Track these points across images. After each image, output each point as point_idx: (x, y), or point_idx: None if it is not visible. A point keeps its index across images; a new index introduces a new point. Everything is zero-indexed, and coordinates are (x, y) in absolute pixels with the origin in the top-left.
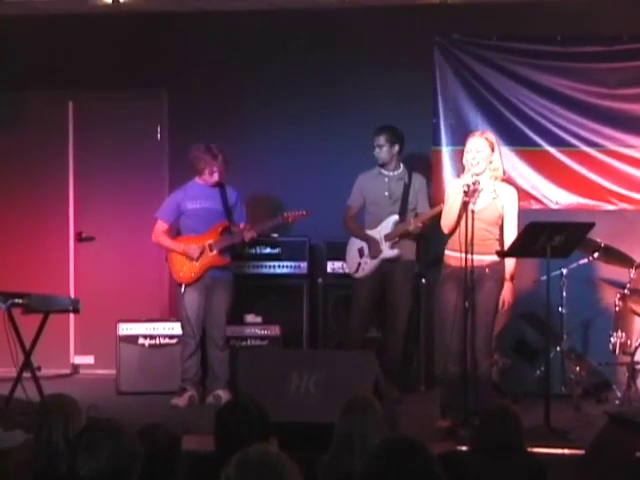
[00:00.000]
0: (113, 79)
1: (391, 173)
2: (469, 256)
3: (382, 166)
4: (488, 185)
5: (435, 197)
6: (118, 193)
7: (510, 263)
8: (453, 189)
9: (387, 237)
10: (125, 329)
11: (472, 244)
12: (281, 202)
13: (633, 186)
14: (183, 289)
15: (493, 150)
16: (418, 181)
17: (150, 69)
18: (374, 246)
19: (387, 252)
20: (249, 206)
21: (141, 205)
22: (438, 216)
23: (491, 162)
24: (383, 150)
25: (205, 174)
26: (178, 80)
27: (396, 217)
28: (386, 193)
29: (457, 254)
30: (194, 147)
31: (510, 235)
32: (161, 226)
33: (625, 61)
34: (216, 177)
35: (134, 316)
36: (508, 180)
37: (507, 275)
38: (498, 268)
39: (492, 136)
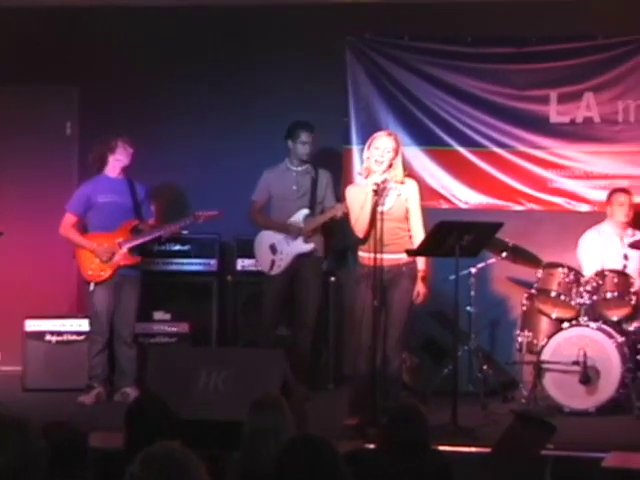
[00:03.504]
0: (22, 74)
1: (298, 168)
2: (380, 256)
3: (290, 161)
4: (391, 183)
5: (344, 195)
6: (26, 188)
7: (422, 259)
8: (356, 195)
9: (300, 231)
10: (32, 325)
11: (383, 244)
12: (191, 200)
13: (541, 187)
14: (92, 287)
15: (397, 153)
16: (325, 177)
17: (60, 64)
18: (293, 229)
19: (302, 246)
20: (158, 203)
21: (49, 200)
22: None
23: (392, 165)
24: (306, 146)
25: (115, 158)
26: (89, 76)
27: (306, 210)
28: (294, 187)
29: (371, 254)
30: (92, 145)
31: (417, 228)
32: (70, 219)
33: (534, 63)
34: (124, 161)
35: (41, 312)
36: (410, 175)
37: (420, 271)
38: (414, 266)
39: (399, 139)
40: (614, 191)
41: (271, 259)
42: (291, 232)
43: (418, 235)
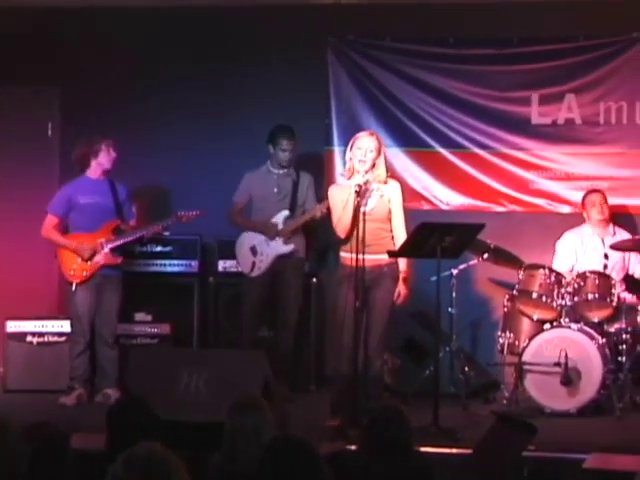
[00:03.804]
0: (3, 75)
1: (280, 171)
2: (361, 256)
3: (271, 164)
4: (373, 184)
5: (326, 196)
6: (7, 189)
7: (403, 260)
8: (338, 195)
9: (280, 233)
10: (13, 326)
11: (365, 245)
12: (173, 201)
13: (522, 188)
14: (74, 287)
15: (379, 153)
16: (306, 179)
17: (42, 66)
18: (270, 229)
19: (282, 248)
20: (140, 204)
21: (31, 201)
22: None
23: (375, 165)
24: (286, 153)
25: (98, 162)
26: (70, 77)
27: (287, 212)
28: (275, 189)
29: (353, 255)
30: (78, 143)
31: (399, 229)
32: (51, 220)
33: (515, 64)
34: (113, 154)
35: (22, 313)
36: (393, 177)
37: (402, 272)
38: (396, 267)
39: (380, 139)
40: (586, 193)
41: (252, 261)
42: (268, 232)
43: (400, 236)
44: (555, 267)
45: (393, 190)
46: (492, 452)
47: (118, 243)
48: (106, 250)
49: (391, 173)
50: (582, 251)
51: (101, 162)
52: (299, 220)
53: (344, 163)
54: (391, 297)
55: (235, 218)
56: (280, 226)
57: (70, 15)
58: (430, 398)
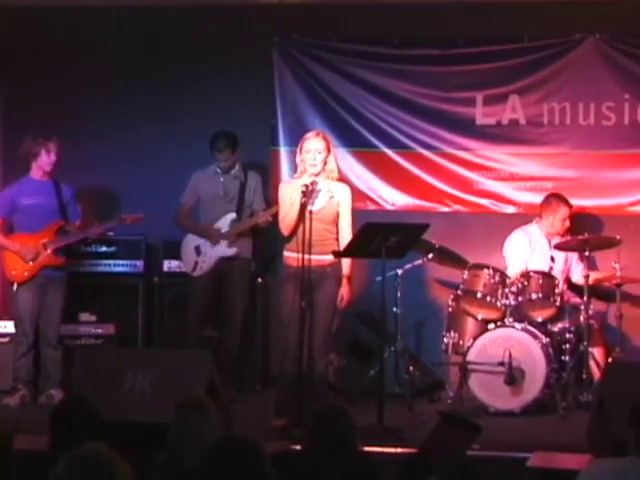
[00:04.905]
0: None
1: (227, 173)
2: (307, 256)
3: (218, 166)
4: (323, 185)
5: (273, 196)
6: None
7: (347, 261)
8: (287, 191)
9: (224, 236)
10: None
11: (310, 244)
12: (118, 201)
13: (467, 188)
14: (16, 288)
15: (329, 151)
16: (254, 180)
17: None
18: (213, 234)
19: (225, 250)
20: (86, 205)
21: None
22: (276, 215)
23: (327, 163)
24: (221, 163)
25: (37, 165)
26: (12, 76)
27: (233, 215)
28: (221, 192)
29: (297, 255)
30: (22, 143)
31: (345, 232)
32: None
33: (460, 65)
34: (53, 158)
35: None
36: (342, 179)
37: (344, 273)
38: (338, 267)
39: (327, 136)
40: (560, 200)
41: (195, 260)
42: (211, 238)
43: (346, 239)
44: (510, 272)
45: (343, 193)
46: (437, 451)
47: (61, 244)
48: (49, 251)
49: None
50: (530, 251)
51: (40, 165)
52: (245, 224)
53: (294, 164)
54: (334, 297)
55: (181, 220)
56: (226, 229)
57: (8, 13)
58: (375, 398)
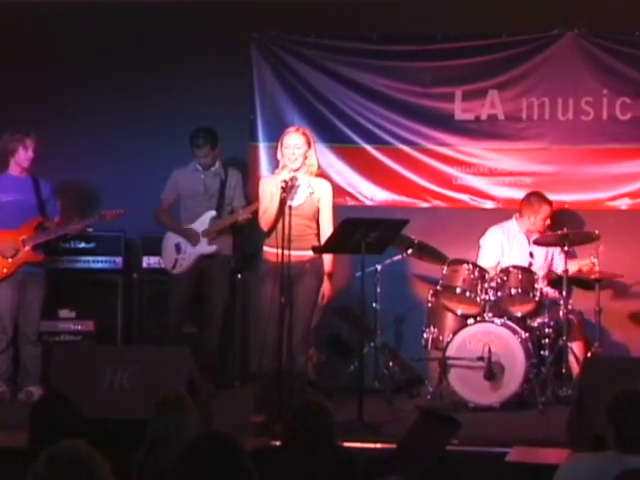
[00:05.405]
0: None
1: (206, 170)
2: (287, 252)
3: (198, 162)
4: (304, 180)
5: (252, 192)
6: None
7: (328, 258)
8: (268, 186)
9: (205, 233)
10: None
11: (289, 240)
12: (97, 197)
13: (446, 184)
14: None
15: (309, 146)
16: (234, 177)
17: None
18: (193, 235)
19: (205, 248)
20: (66, 201)
21: None
22: (256, 212)
23: (307, 158)
24: (201, 159)
25: (15, 161)
26: None
27: (213, 213)
28: (201, 189)
29: (276, 250)
30: (4, 136)
31: (326, 228)
32: None
33: (439, 60)
34: (30, 154)
35: None
36: (322, 175)
37: (326, 270)
38: (318, 263)
39: (308, 131)
40: (540, 199)
41: (175, 258)
42: (190, 238)
43: (326, 235)
44: (480, 263)
45: (324, 189)
46: (416, 447)
47: (40, 240)
48: (28, 247)
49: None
50: (508, 248)
51: (18, 161)
52: (225, 222)
53: (273, 160)
54: (314, 293)
55: (161, 217)
56: (206, 226)
57: None
58: (354, 393)
